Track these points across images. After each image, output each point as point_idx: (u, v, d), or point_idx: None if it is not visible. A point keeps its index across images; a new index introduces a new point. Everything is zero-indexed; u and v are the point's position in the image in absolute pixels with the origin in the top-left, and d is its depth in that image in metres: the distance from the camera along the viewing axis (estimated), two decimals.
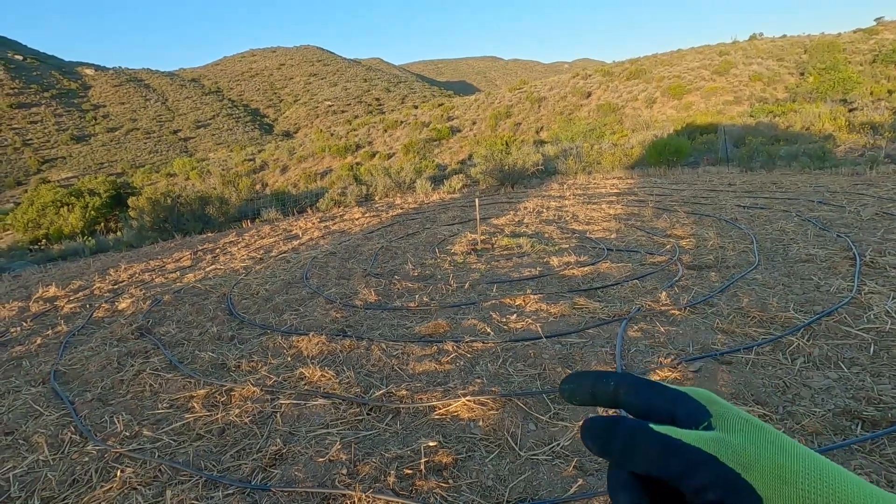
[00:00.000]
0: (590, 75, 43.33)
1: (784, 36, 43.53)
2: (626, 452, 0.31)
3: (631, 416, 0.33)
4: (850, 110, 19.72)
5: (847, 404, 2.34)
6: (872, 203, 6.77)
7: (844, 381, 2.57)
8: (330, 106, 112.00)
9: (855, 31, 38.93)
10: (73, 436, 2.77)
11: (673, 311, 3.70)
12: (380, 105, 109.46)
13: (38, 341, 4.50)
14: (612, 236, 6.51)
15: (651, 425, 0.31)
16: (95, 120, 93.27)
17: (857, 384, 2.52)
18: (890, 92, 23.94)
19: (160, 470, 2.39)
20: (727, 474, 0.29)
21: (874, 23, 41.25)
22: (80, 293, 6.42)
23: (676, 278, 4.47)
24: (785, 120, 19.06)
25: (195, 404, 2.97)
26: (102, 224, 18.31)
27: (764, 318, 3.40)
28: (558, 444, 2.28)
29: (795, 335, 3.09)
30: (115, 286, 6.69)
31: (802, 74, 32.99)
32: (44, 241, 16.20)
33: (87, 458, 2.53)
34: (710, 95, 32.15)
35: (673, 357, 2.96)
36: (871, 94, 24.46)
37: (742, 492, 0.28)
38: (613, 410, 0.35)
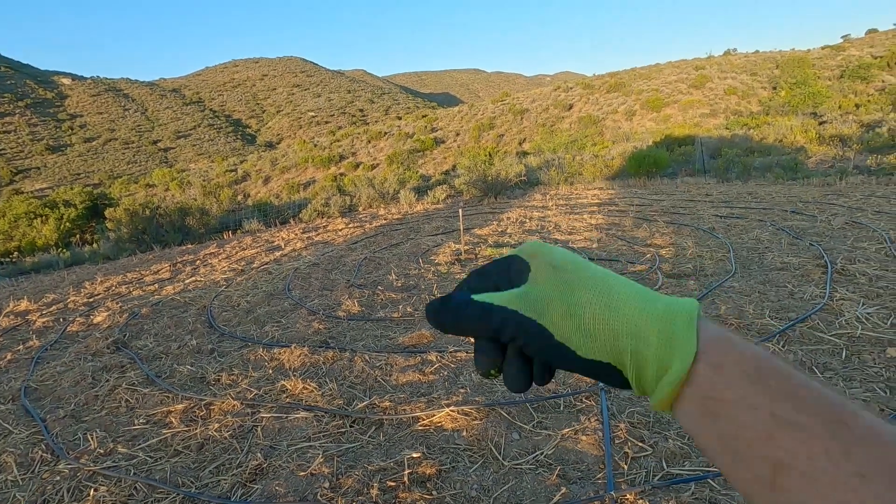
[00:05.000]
0: (571, 88, 44.14)
1: (757, 51, 45.05)
2: (455, 324, 0.37)
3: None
4: (821, 123, 20.43)
5: None
6: (842, 213, 7.00)
7: None
8: (313, 117, 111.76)
9: (823, 48, 40.49)
10: (45, 454, 2.68)
11: None
12: (363, 116, 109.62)
13: (9, 357, 4.35)
14: (594, 245, 6.60)
15: (473, 296, 0.37)
16: (72, 130, 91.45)
17: None
18: (857, 106, 24.90)
19: (136, 488, 2.32)
20: (525, 323, 0.35)
21: (841, 40, 43.03)
22: (54, 307, 6.24)
23: (657, 287, 4.54)
24: (759, 132, 19.65)
25: (173, 419, 2.90)
26: (78, 236, 17.88)
27: (741, 325, 3.47)
28: (542, 453, 2.29)
29: (771, 341, 3.16)
30: (91, 299, 6.52)
31: (775, 88, 34.13)
32: (16, 253, 15.73)
33: (58, 478, 2.45)
34: (688, 108, 33.00)
35: None
36: (840, 107, 25.40)
37: (535, 334, 0.35)
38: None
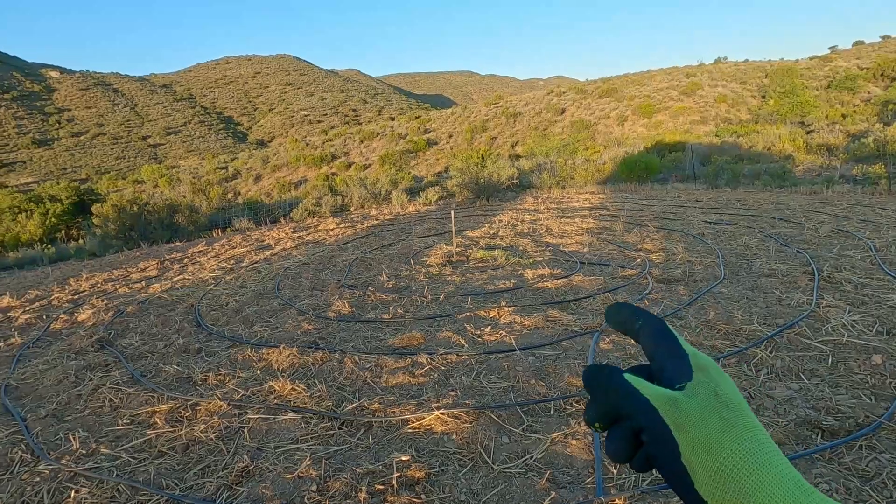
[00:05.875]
0: (564, 92, 44.37)
1: (747, 60, 45.64)
2: (597, 389, 0.38)
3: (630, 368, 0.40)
4: (808, 132, 20.75)
5: (808, 414, 2.42)
6: (829, 220, 7.11)
7: (805, 391, 2.66)
8: (306, 116, 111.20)
9: (811, 59, 41.15)
10: (24, 454, 2.61)
11: None
12: (356, 116, 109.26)
13: None
14: (585, 249, 6.62)
15: (625, 374, 0.38)
16: (59, 124, 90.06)
17: (816, 395, 2.61)
18: (844, 116, 25.32)
19: (118, 490, 2.28)
20: (658, 426, 0.35)
21: (828, 51, 43.79)
22: (37, 303, 6.13)
23: (647, 291, 4.57)
24: (748, 140, 19.91)
25: (158, 420, 2.85)
26: (63, 232, 17.58)
27: (729, 331, 3.50)
28: (531, 457, 2.28)
29: (759, 347, 3.19)
30: (75, 296, 6.41)
31: (764, 97, 34.60)
32: None
33: (38, 479, 2.40)
34: (679, 115, 33.33)
35: None
36: (827, 117, 25.82)
37: (662, 441, 0.35)
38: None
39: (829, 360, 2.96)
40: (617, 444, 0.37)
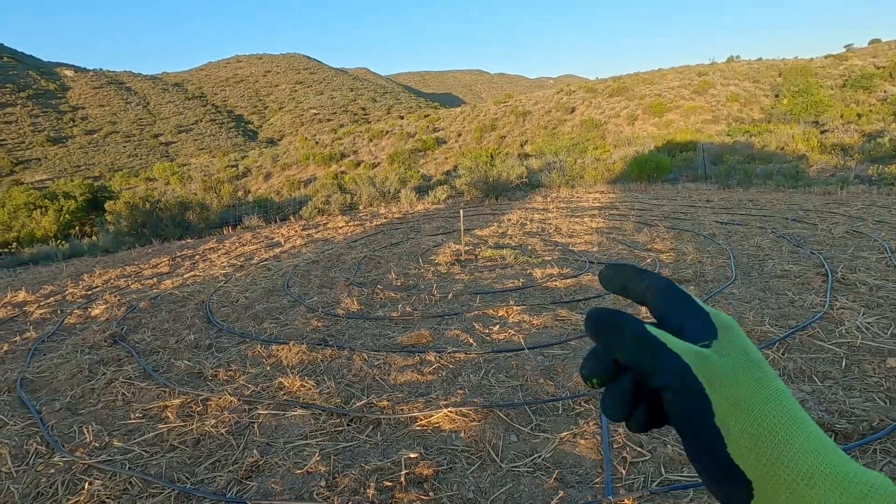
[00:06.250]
0: (574, 91, 44.14)
1: (760, 59, 45.08)
2: (612, 339, 0.33)
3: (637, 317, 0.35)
4: (822, 132, 20.46)
5: (821, 417, 2.39)
6: (843, 221, 7.00)
7: (818, 394, 2.63)
8: (315, 114, 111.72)
9: (826, 57, 40.54)
10: (39, 447, 2.66)
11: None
12: (365, 115, 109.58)
13: (5, 348, 4.33)
14: (595, 249, 6.59)
15: (647, 325, 0.34)
16: (73, 122, 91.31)
17: (829, 397, 2.58)
18: (859, 115, 24.92)
19: (131, 482, 2.31)
20: (691, 384, 0.31)
21: (844, 49, 43.13)
22: (52, 298, 6.22)
23: None
24: (760, 140, 19.67)
25: (169, 414, 2.89)
26: (77, 228, 17.84)
27: None
28: (539, 456, 2.28)
29: (771, 349, 3.16)
30: (89, 292, 6.50)
31: (777, 96, 34.16)
32: (14, 244, 15.69)
33: (53, 471, 2.44)
34: (690, 114, 33.02)
35: None
36: (842, 117, 25.43)
37: (694, 400, 0.31)
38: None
39: (843, 363, 2.92)
40: (617, 401, 0.34)
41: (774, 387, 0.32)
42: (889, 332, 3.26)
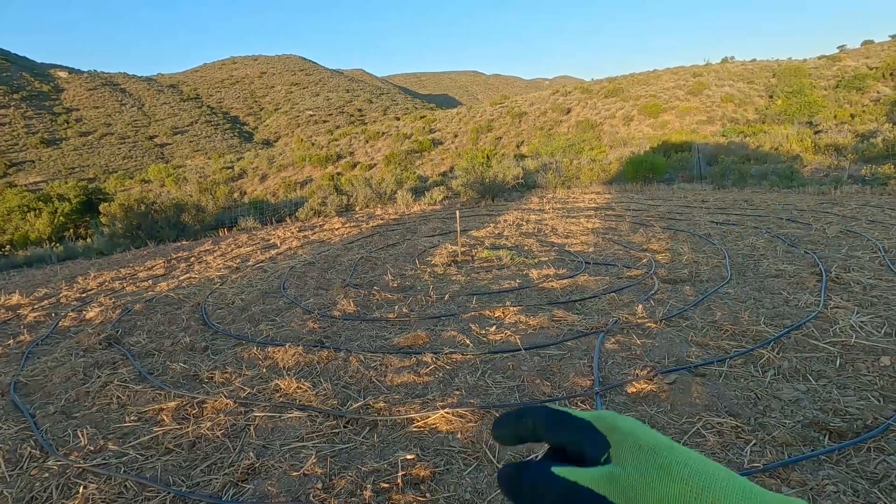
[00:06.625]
0: (569, 92, 44.24)
1: (754, 60, 45.32)
2: (533, 498, 0.33)
3: (545, 455, 0.36)
4: (816, 132, 20.59)
5: (815, 416, 2.41)
6: (837, 221, 7.05)
7: (812, 393, 2.64)
8: (311, 115, 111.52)
9: (819, 58, 40.79)
10: (33, 450, 2.64)
11: (649, 324, 3.76)
12: (362, 116, 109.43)
13: None
14: (590, 250, 6.60)
15: (553, 468, 0.34)
16: (68, 123, 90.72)
17: (824, 396, 2.59)
18: (852, 116, 25.09)
19: (126, 486, 2.30)
20: None
21: (837, 50, 43.40)
22: (46, 301, 6.19)
23: (652, 292, 4.55)
24: (755, 140, 19.77)
25: (165, 417, 2.88)
26: (72, 230, 17.73)
27: (736, 332, 3.48)
28: (536, 457, 2.27)
29: (766, 348, 3.17)
30: (83, 294, 6.46)
31: (771, 97, 34.34)
32: (8, 247, 15.57)
33: (47, 474, 2.42)
34: (685, 115, 33.16)
35: (649, 369, 3.01)
36: (835, 117, 25.60)
37: None
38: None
39: (837, 362, 2.94)
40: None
41: (677, 462, 0.32)
42: (883, 331, 3.28)
